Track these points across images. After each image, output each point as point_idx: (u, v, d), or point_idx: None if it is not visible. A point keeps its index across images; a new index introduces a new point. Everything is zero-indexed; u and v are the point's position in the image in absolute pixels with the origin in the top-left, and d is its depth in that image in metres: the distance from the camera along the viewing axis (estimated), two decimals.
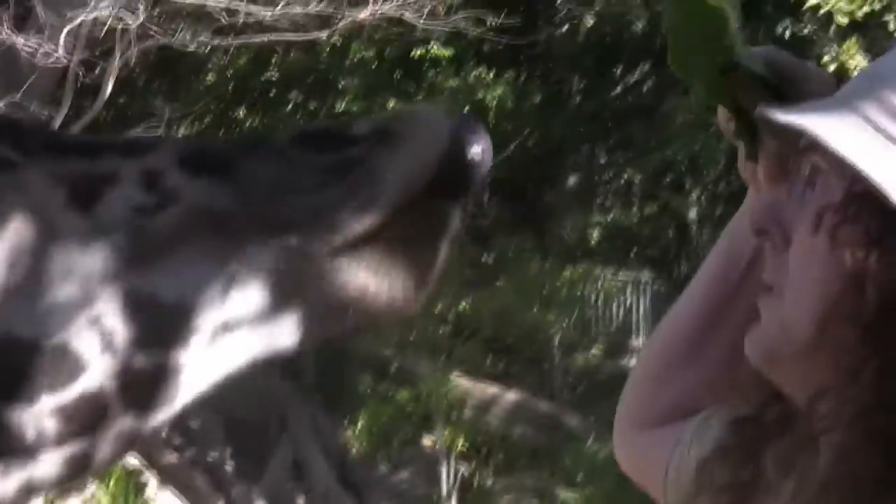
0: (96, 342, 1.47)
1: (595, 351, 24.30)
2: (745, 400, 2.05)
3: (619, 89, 23.15)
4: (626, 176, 24.50)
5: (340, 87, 21.29)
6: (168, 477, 18.49)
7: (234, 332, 1.54)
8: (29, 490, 1.49)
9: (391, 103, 19.56)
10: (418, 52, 20.13)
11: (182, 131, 19.85)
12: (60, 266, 1.49)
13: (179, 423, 19.03)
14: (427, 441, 19.49)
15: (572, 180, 24.91)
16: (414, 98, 20.44)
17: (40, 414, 1.44)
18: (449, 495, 18.31)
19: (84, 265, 1.49)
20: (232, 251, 1.53)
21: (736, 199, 2.53)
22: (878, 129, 1.66)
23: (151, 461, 18.45)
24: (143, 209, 1.52)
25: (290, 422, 19.82)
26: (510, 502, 19.65)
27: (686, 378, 2.32)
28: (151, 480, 18.08)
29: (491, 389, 21.32)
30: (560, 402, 21.64)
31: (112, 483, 18.02)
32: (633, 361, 19.75)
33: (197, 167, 1.58)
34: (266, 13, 16.50)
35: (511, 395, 21.46)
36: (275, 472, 19.22)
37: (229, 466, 19.29)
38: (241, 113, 22.07)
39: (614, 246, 23.44)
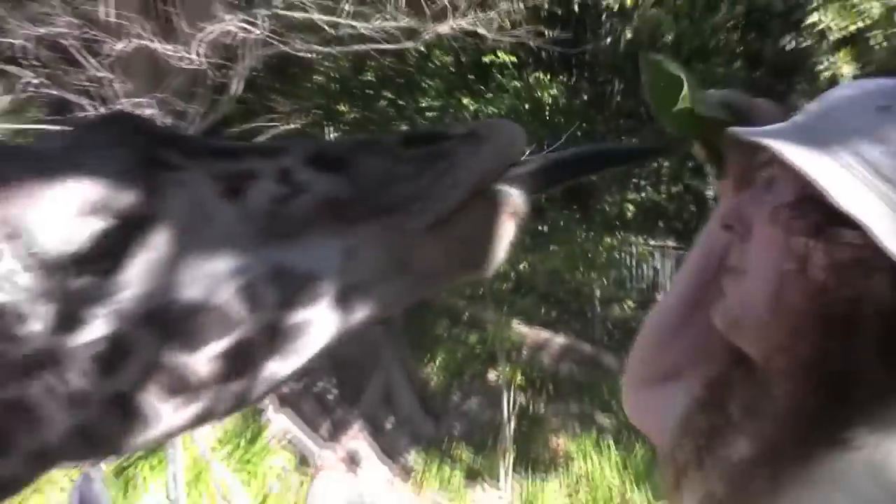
0: (248, 304, 1.56)
1: (629, 304, 24.29)
2: (716, 363, 2.12)
3: None
4: (656, 162, 23.59)
5: (424, 86, 20.83)
6: (283, 402, 18.80)
7: (353, 295, 1.62)
8: (200, 420, 1.59)
9: (466, 100, 19.45)
10: (488, 58, 19.32)
11: (297, 123, 19.36)
12: (218, 244, 1.58)
13: None
14: (491, 375, 19.87)
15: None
16: (484, 96, 20.00)
17: (205, 360, 1.54)
18: (508, 419, 18.59)
19: (236, 244, 1.57)
20: (349, 231, 1.61)
21: None
22: (822, 148, 1.75)
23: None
24: (279, 199, 1.60)
25: (382, 359, 20.22)
26: (558, 425, 19.93)
27: (675, 348, 2.41)
28: (269, 405, 18.39)
29: (544, 334, 21.70)
30: (600, 345, 21.81)
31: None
32: None
33: (319, 164, 1.65)
34: (364, 26, 16.02)
35: (560, 339, 21.80)
36: (369, 399, 19.68)
37: (333, 394, 19.78)
38: (344, 108, 21.65)
39: (646, 218, 22.77)
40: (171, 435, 1.58)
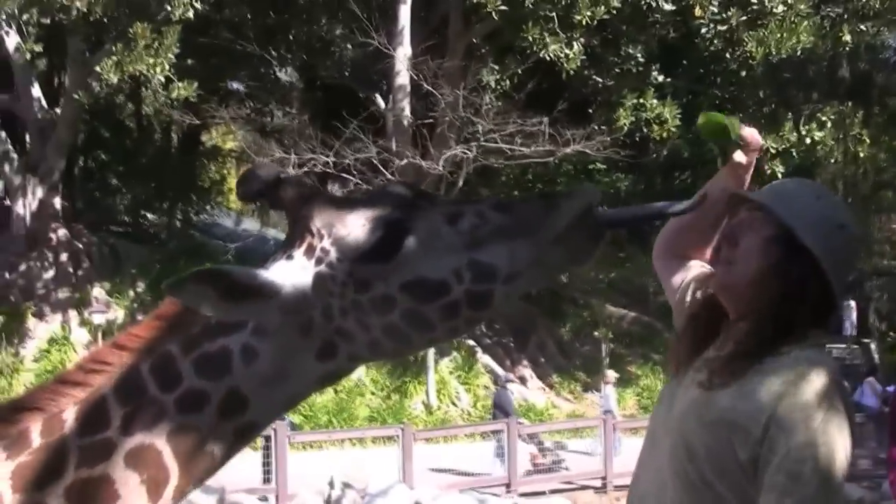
0: (456, 280, 2.40)
1: None
2: (696, 305, 3.04)
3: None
4: None
5: (558, 181, 30.39)
6: (485, 350, 29.63)
7: (513, 277, 2.44)
8: (435, 341, 2.57)
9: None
10: (592, 165, 29.31)
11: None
12: (442, 248, 2.41)
13: (492, 324, 30.12)
14: (596, 333, 31.60)
15: None
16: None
17: (434, 309, 2.40)
18: (605, 356, 30.59)
19: (452, 248, 2.41)
20: (511, 243, 2.42)
21: None
22: (790, 211, 2.75)
23: (479, 343, 29.65)
24: (476, 225, 2.43)
25: (538, 326, 31.47)
26: (631, 359, 31.76)
27: (683, 239, 3.22)
28: (479, 352, 29.00)
29: (623, 311, 33.37)
30: (654, 317, 33.01)
31: (460, 352, 28.55)
32: None
33: (497, 208, 2.48)
34: (526, 150, 25.73)
35: (631, 314, 33.58)
36: (531, 348, 31.02)
37: (512, 345, 30.63)
38: (516, 193, 29.68)
39: None
40: (423, 347, 2.81)
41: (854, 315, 37.59)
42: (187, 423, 2.42)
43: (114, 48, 23.09)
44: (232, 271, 2.35)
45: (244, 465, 19.49)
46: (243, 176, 2.61)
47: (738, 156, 3.07)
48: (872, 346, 34.71)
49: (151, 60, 22.45)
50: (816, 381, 2.63)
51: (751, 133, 3.09)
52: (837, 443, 2.60)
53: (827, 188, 3.03)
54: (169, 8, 23.31)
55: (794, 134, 27.59)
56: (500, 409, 23.77)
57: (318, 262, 2.44)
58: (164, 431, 2.41)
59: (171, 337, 2.46)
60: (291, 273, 2.44)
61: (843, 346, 36.23)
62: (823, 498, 2.56)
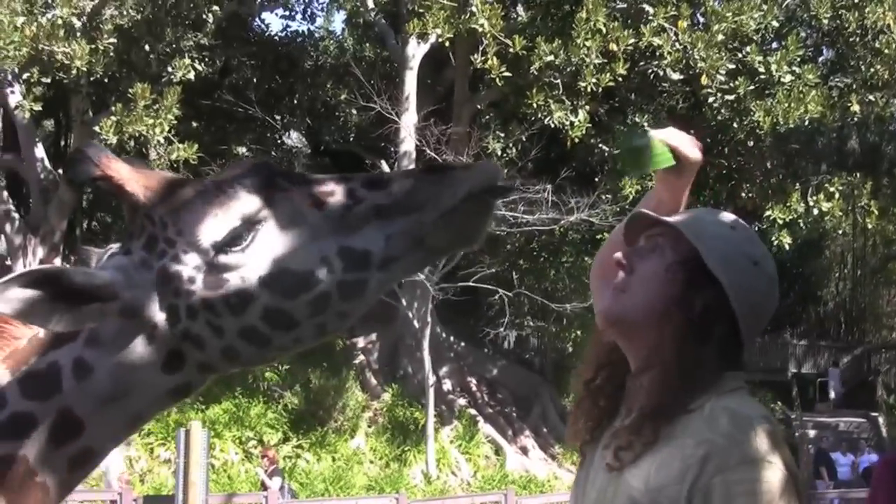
0: (326, 269, 2.18)
1: None
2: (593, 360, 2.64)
3: None
4: None
5: (564, 250, 29.81)
6: (487, 419, 29.49)
7: (391, 262, 2.23)
8: (299, 343, 2.25)
9: (587, 259, 26.96)
10: (600, 236, 27.51)
11: (493, 270, 27.46)
12: (308, 234, 2.19)
13: (494, 393, 30.40)
14: None
15: None
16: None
17: (301, 304, 2.16)
18: None
19: (319, 234, 2.19)
20: (388, 224, 2.20)
21: None
22: (700, 236, 2.40)
23: (480, 412, 29.54)
24: (347, 206, 2.20)
25: (540, 395, 31.13)
26: None
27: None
28: (481, 421, 28.75)
29: None
30: None
31: (461, 421, 28.48)
32: None
33: (371, 184, 2.25)
34: (530, 218, 25.31)
35: None
36: (533, 417, 30.65)
37: (515, 414, 30.35)
38: (521, 262, 30.35)
39: None
40: (287, 350, 2.27)
41: (838, 381, 37.92)
42: (12, 452, 2.16)
43: (114, 108, 23.00)
44: (63, 271, 2.09)
45: None
46: (71, 157, 2.30)
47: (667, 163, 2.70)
48: (880, 419, 34.52)
49: (151, 121, 22.29)
50: (746, 437, 2.24)
51: (685, 143, 2.69)
52: None
53: (742, 221, 2.61)
54: (170, 69, 23.48)
55: (802, 205, 27.24)
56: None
57: (161, 255, 2.18)
58: None
59: None
60: (130, 270, 2.19)
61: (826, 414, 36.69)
62: None
